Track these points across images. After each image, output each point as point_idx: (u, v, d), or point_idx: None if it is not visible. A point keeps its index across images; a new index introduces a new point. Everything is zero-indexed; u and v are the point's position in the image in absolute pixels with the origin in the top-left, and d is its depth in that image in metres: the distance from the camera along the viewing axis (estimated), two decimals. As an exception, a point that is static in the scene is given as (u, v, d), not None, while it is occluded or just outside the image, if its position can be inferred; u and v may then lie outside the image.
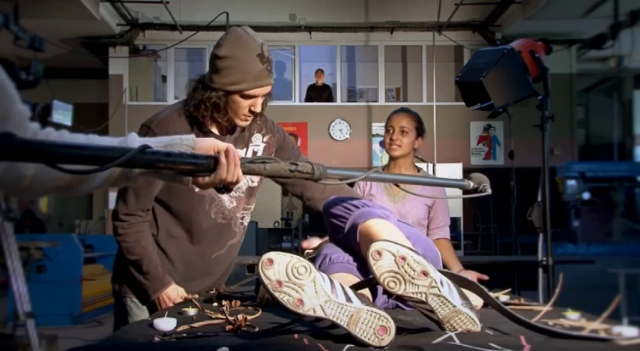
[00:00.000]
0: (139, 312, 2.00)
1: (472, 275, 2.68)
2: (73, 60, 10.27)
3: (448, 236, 2.88)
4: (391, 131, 2.79)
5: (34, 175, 1.12)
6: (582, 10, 8.87)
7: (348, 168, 1.51)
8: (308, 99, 10.88)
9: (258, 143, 2.05)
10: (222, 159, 1.20)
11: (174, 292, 1.93)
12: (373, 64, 11.17)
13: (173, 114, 1.94)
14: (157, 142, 1.20)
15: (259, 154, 2.04)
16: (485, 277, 2.71)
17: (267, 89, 1.88)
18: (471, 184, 1.63)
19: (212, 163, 1.20)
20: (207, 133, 1.92)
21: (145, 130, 1.89)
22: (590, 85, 12.95)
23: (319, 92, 10.92)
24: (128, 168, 1.14)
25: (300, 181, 2.06)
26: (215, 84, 1.84)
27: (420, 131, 2.82)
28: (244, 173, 1.26)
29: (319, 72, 10.92)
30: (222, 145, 1.24)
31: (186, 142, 1.22)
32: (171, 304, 1.92)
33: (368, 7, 10.59)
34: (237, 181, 1.24)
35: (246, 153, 2.02)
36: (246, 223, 2.10)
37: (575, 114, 10.82)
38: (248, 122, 1.92)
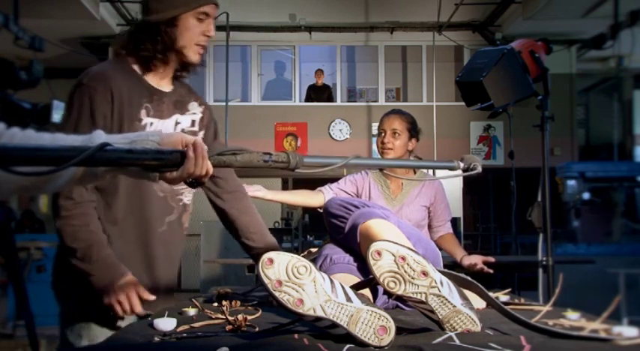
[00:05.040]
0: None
1: (477, 259, 2.68)
2: (73, 60, 10.27)
3: (451, 230, 2.86)
4: (383, 134, 2.74)
5: None
6: (582, 10, 8.86)
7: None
8: (308, 99, 10.88)
9: (195, 111, 1.89)
10: (190, 153, 1.19)
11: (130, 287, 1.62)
12: (373, 64, 11.17)
13: (110, 66, 1.72)
14: (121, 139, 1.19)
15: (197, 123, 1.89)
16: (492, 260, 2.71)
17: (216, 8, 1.73)
18: (461, 164, 1.60)
19: (178, 157, 1.19)
20: (148, 86, 1.75)
21: (81, 89, 1.66)
22: (590, 85, 12.94)
23: (319, 92, 10.91)
24: (89, 167, 1.14)
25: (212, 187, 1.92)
26: (163, 10, 1.65)
27: (412, 132, 2.75)
28: (214, 166, 1.24)
29: (319, 72, 10.92)
30: (189, 139, 1.22)
31: (152, 137, 1.21)
32: (128, 305, 1.61)
33: (368, 7, 10.58)
34: (207, 174, 1.22)
35: (184, 121, 1.85)
36: (186, 201, 1.88)
37: (575, 114, 10.81)
38: (200, 57, 1.75)
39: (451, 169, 1.61)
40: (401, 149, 2.72)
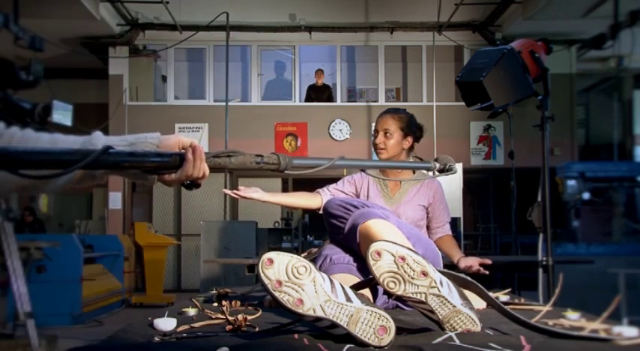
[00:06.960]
0: None
1: (474, 261, 2.67)
2: (73, 60, 10.26)
3: (450, 232, 2.84)
4: (376, 134, 2.74)
5: None
6: (582, 10, 8.86)
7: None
8: (308, 99, 10.88)
9: None
10: (189, 155, 1.21)
11: None
12: (373, 64, 11.17)
13: None
14: (121, 141, 1.21)
15: None
16: (489, 262, 2.70)
17: None
18: (437, 165, 1.63)
19: (177, 159, 1.21)
20: None
21: None
22: (590, 85, 12.94)
23: (319, 92, 10.91)
24: (92, 169, 1.15)
25: None
26: None
27: (407, 131, 2.73)
28: (210, 168, 1.26)
29: (319, 72, 10.92)
30: (186, 141, 1.24)
31: (151, 140, 1.23)
32: None
33: (368, 7, 10.58)
34: (204, 177, 1.25)
35: None
36: None
37: (575, 114, 10.81)
38: None
39: (428, 169, 1.64)
40: (394, 149, 2.70)
